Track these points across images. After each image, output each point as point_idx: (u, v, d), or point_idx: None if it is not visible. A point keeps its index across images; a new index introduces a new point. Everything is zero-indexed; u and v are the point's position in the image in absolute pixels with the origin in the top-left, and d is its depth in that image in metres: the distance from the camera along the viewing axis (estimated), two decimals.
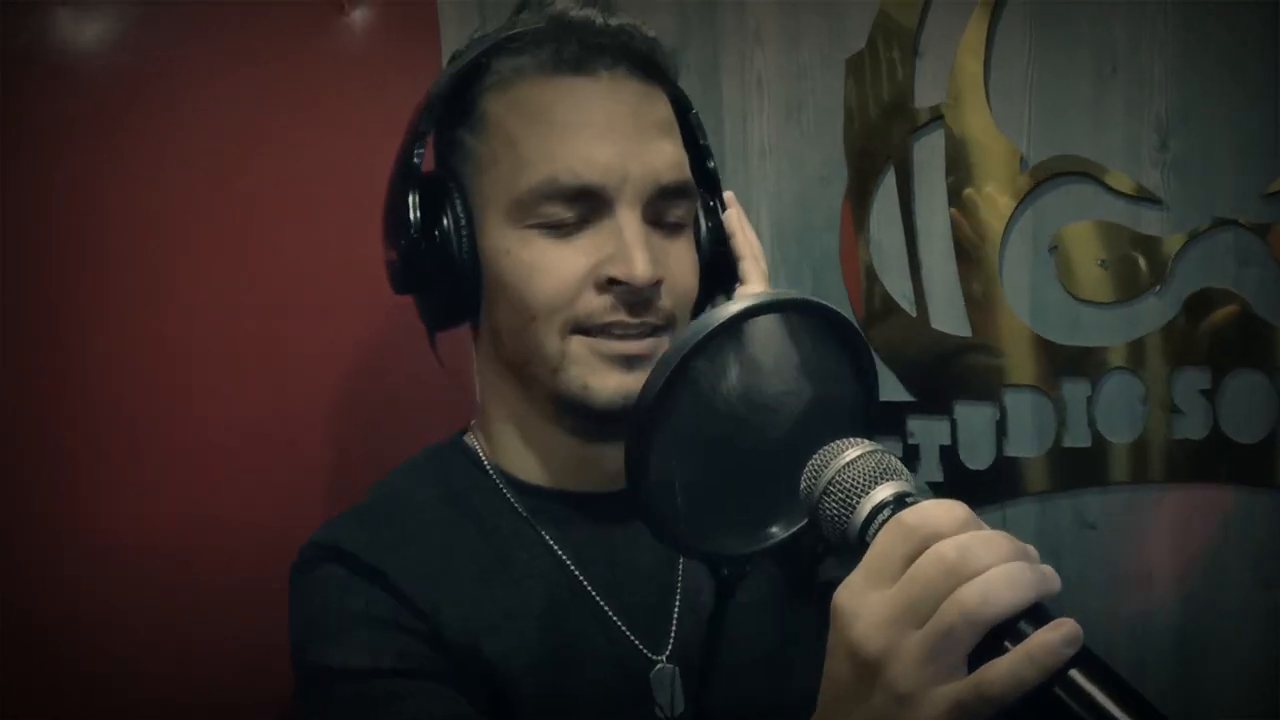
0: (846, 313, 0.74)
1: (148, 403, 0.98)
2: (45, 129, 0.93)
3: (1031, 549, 0.57)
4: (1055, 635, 0.52)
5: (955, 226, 1.38)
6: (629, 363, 0.84)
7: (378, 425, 1.17)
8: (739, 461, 0.75)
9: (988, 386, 1.39)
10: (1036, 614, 0.54)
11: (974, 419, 1.40)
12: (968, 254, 1.38)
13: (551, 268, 0.83)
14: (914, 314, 1.41)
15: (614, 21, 0.85)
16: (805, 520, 0.76)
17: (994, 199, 1.36)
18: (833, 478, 0.64)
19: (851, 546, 0.63)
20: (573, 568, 0.88)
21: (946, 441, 1.41)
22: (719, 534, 0.77)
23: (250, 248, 1.08)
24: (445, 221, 0.84)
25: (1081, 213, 1.33)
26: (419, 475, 0.93)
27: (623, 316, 0.83)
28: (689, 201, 0.88)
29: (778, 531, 0.77)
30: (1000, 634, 0.54)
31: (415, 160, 0.86)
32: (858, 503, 0.62)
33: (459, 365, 1.00)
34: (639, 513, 0.74)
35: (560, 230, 0.83)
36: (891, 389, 1.42)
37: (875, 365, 0.77)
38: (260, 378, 1.07)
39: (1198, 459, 1.31)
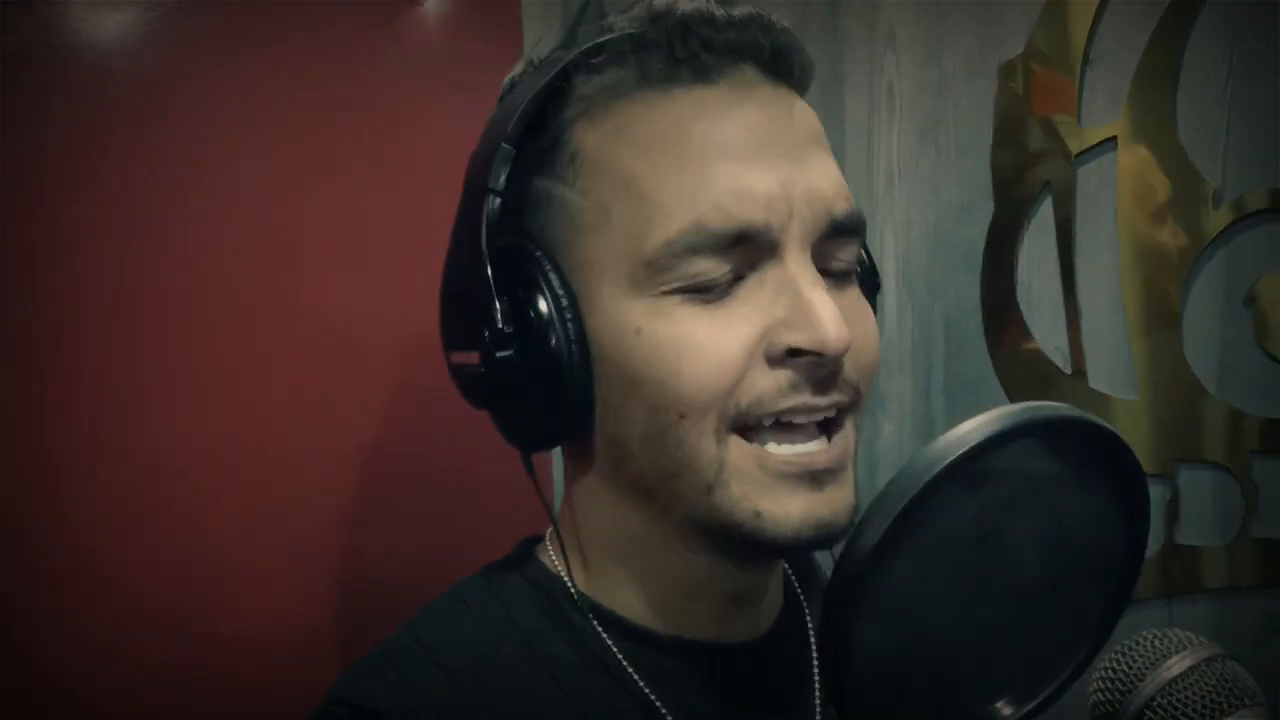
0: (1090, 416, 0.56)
1: (170, 438, 0.88)
2: (60, 139, 0.80)
3: None
4: None
5: (1124, 270, 1.19)
6: (816, 480, 0.61)
7: (422, 432, 1.01)
8: (961, 628, 0.57)
9: (1158, 461, 1.19)
10: None
11: None
12: (1140, 302, 1.19)
13: (704, 343, 0.60)
14: (1068, 371, 1.22)
15: (737, 13, 0.64)
16: (1047, 696, 0.57)
17: (1177, 238, 1.17)
18: (1154, 697, 0.47)
19: None
20: None
21: None
22: (932, 717, 0.57)
23: (294, 288, 0.92)
24: (543, 307, 0.62)
25: None
26: (478, 610, 0.70)
27: (807, 398, 0.61)
28: (859, 241, 0.66)
29: (1007, 712, 0.58)
30: None
31: (486, 227, 0.63)
32: None
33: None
34: (835, 695, 0.54)
35: (709, 293, 0.61)
36: None
37: (1149, 501, 0.58)
38: (294, 423, 0.94)
39: None
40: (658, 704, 0.66)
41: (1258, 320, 1.15)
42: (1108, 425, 0.55)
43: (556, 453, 0.74)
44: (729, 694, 0.68)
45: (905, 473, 0.50)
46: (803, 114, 0.65)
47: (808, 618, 0.74)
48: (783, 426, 0.62)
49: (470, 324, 0.63)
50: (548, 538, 0.73)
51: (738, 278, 0.61)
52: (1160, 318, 1.18)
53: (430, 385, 0.91)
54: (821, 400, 0.61)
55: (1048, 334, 1.22)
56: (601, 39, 0.64)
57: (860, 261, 0.70)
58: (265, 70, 0.92)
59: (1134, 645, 0.50)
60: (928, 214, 1.25)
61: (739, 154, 0.61)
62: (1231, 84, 1.13)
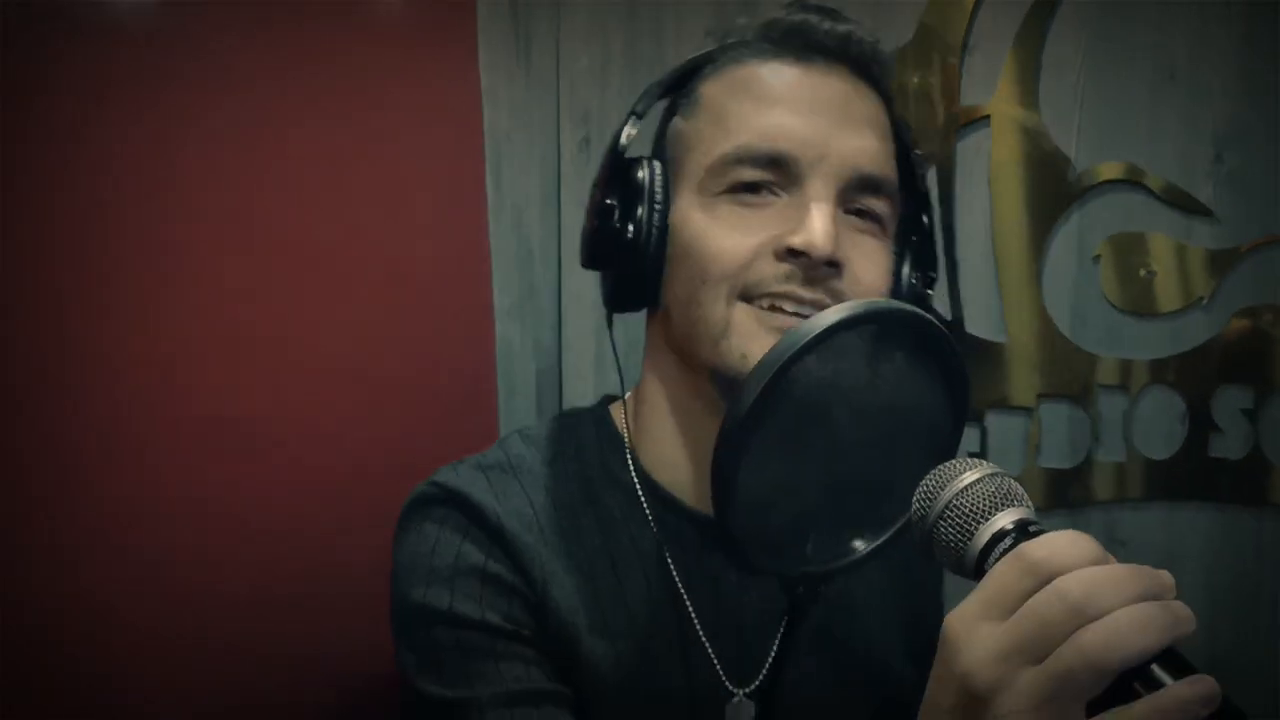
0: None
1: (152, 396, 0.92)
2: (57, 109, 0.86)
3: (1168, 579, 0.53)
4: (1190, 692, 0.49)
5: (995, 230, 1.35)
6: None
7: (394, 424, 1.12)
8: (826, 476, 0.72)
9: (1023, 395, 1.36)
10: (1169, 659, 0.50)
11: (1006, 428, 1.38)
12: (1008, 259, 1.35)
13: (729, 232, 0.80)
14: (949, 318, 1.38)
15: (841, 27, 0.85)
16: (889, 535, 0.73)
17: (1039, 204, 1.33)
18: (950, 501, 0.60)
19: (967, 573, 0.60)
20: (681, 588, 0.85)
21: (975, 449, 1.38)
22: (800, 551, 0.73)
23: (271, 235, 1.01)
24: (642, 199, 0.83)
25: (1129, 222, 1.31)
26: (553, 444, 0.89)
27: (794, 288, 0.79)
28: (888, 200, 0.84)
29: (859, 547, 0.74)
30: (1128, 678, 0.50)
31: (623, 140, 0.84)
32: (976, 529, 0.59)
33: (482, 370, 0.95)
34: (722, 529, 0.70)
35: (747, 201, 0.81)
36: None
37: (968, 381, 0.74)
38: (270, 373, 1.02)
39: (1233, 478, 1.30)
40: (666, 555, 0.84)
41: (1104, 274, 1.32)
42: (936, 322, 0.71)
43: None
44: (718, 564, 0.85)
45: (775, 348, 0.66)
46: (868, 103, 0.84)
47: None
48: (784, 311, 0.80)
49: (594, 206, 0.85)
50: (621, 401, 0.91)
51: (775, 197, 0.80)
52: (1024, 273, 1.34)
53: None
54: (807, 293, 0.79)
55: None
56: (735, 38, 0.86)
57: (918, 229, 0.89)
58: (243, 44, 0.98)
59: (941, 469, 0.65)
60: None
61: (796, 108, 0.81)
62: (1083, 73, 1.29)
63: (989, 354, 1.37)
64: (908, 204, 0.89)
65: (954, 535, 0.60)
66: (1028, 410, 1.36)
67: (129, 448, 0.90)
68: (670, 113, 0.89)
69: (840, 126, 0.81)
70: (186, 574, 0.94)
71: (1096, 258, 1.32)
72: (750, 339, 0.79)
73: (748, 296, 0.80)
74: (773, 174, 0.80)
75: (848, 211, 0.82)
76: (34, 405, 0.84)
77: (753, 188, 0.81)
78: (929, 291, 0.92)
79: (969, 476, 0.61)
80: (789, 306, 0.79)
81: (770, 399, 0.66)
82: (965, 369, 0.74)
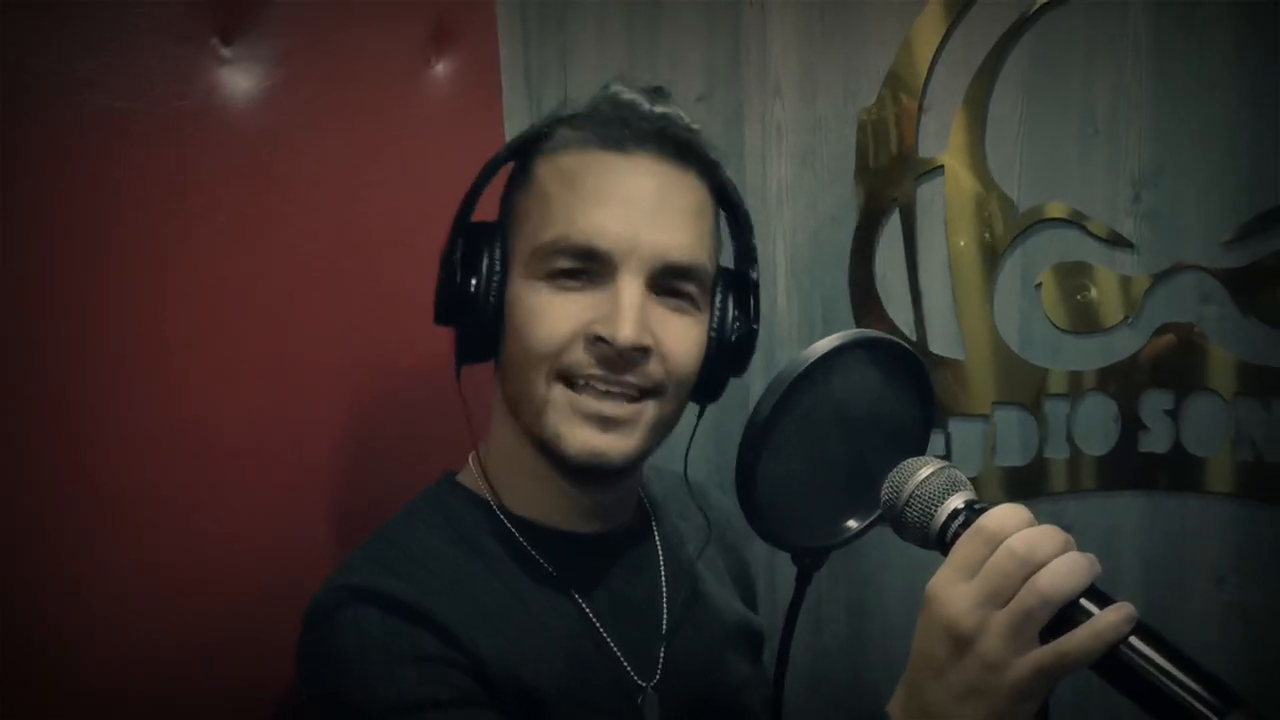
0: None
1: (148, 410, 0.92)
2: (110, 167, 0.88)
3: (1070, 537, 0.68)
4: (1117, 616, 0.64)
5: (952, 263, 1.52)
6: (604, 423, 0.87)
7: (384, 445, 1.15)
8: (824, 469, 0.91)
9: (979, 404, 1.54)
10: (1092, 593, 0.67)
11: (966, 432, 1.54)
12: (963, 287, 1.52)
13: (548, 316, 0.86)
14: (915, 338, 1.54)
15: (658, 109, 0.90)
16: (876, 516, 0.92)
17: (988, 240, 1.50)
18: (914, 491, 0.76)
19: (931, 545, 0.76)
20: (581, 602, 0.92)
21: (941, 452, 1.55)
22: (807, 529, 0.92)
23: (281, 242, 1.03)
24: (483, 265, 0.89)
25: (1064, 254, 1.48)
26: (425, 522, 0.93)
27: (605, 372, 0.86)
28: (699, 284, 0.91)
29: (854, 526, 0.93)
30: (1065, 613, 0.66)
31: (470, 209, 0.91)
32: (935, 510, 0.75)
33: (468, 394, 0.97)
34: (746, 512, 0.89)
35: (566, 286, 0.87)
36: None
37: (934, 392, 0.93)
38: (267, 391, 1.03)
39: (1161, 470, 1.48)
40: (558, 577, 0.92)
41: (1045, 299, 1.48)
42: (907, 345, 0.89)
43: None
44: (604, 567, 0.96)
45: (786, 367, 0.84)
46: (682, 191, 0.89)
47: (653, 523, 1.03)
48: (598, 391, 0.87)
49: (442, 267, 0.91)
50: (470, 461, 0.97)
51: (589, 282, 0.86)
52: (977, 299, 1.50)
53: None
54: (615, 378, 0.86)
55: (899, 312, 1.53)
56: (567, 114, 0.92)
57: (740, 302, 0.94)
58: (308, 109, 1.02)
59: (902, 466, 0.76)
60: (808, 223, 1.54)
61: (611, 202, 0.87)
62: (1021, 128, 1.47)
63: (950, 369, 1.53)
64: (739, 259, 0.96)
65: (918, 517, 0.75)
66: (984, 416, 1.53)
67: (127, 450, 0.90)
68: (511, 184, 0.92)
69: (652, 218, 0.87)
70: (185, 575, 0.94)
71: (1039, 285, 1.48)
72: (563, 420, 0.86)
73: (564, 378, 0.86)
74: (587, 263, 0.86)
75: (661, 293, 0.88)
76: (31, 407, 0.82)
77: (571, 274, 0.86)
78: (746, 342, 0.95)
79: (923, 472, 0.76)
80: (600, 386, 0.86)
81: (781, 410, 0.85)
82: (931, 382, 0.94)
